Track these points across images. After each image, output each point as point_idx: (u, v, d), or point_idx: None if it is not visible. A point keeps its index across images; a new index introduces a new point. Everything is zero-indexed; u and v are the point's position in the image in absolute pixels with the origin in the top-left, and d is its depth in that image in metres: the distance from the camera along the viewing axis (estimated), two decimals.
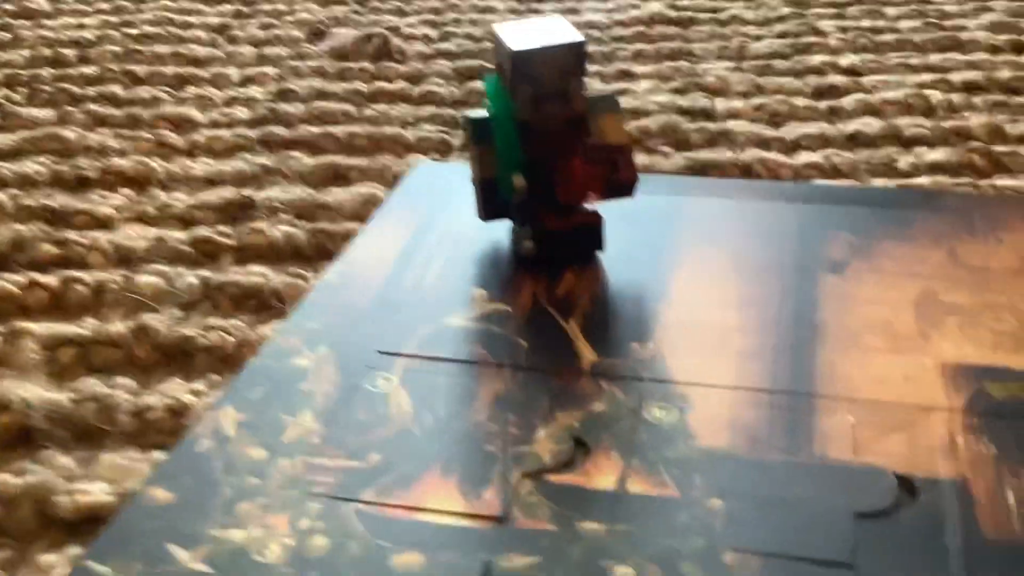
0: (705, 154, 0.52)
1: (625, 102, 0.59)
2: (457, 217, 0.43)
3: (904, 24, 0.71)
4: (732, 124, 0.56)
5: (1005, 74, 0.61)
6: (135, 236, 0.47)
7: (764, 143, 0.54)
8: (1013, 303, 0.36)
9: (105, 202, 0.50)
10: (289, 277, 0.43)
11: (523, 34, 0.37)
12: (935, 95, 0.58)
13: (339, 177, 0.52)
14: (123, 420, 0.35)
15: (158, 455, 0.34)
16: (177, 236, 0.46)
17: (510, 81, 0.37)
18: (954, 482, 0.28)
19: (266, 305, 0.42)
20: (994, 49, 0.66)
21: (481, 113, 0.39)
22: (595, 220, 0.39)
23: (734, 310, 0.36)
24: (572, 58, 0.37)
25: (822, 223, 0.41)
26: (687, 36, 0.70)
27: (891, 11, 0.73)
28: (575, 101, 0.37)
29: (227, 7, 0.80)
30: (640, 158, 0.52)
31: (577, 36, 0.37)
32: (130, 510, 0.28)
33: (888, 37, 0.68)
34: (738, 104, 0.58)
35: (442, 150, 0.55)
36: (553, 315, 0.36)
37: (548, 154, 0.38)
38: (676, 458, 0.29)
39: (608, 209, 0.42)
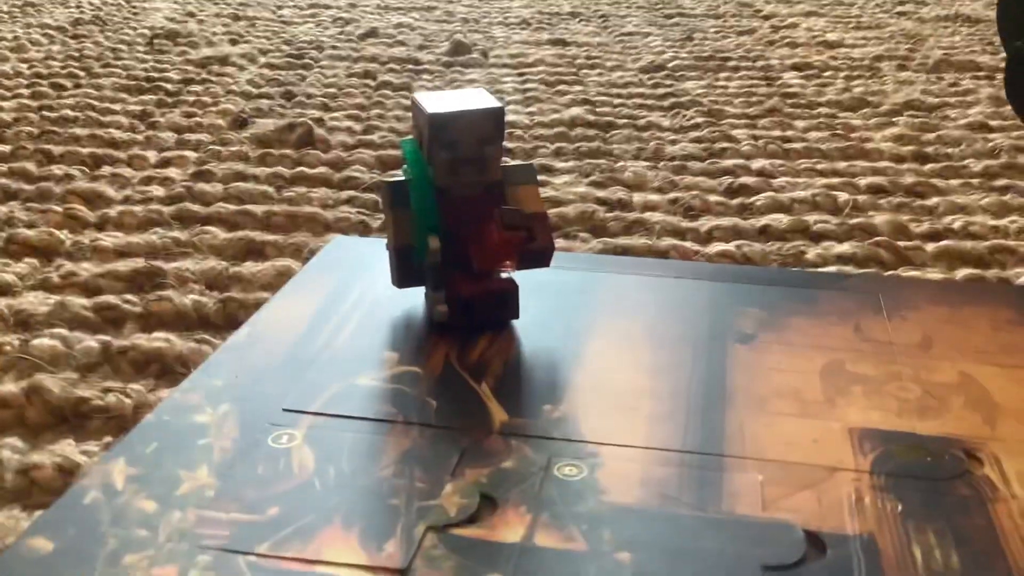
0: (622, 240, 0.53)
1: (544, 193, 0.59)
2: (372, 285, 0.43)
3: (812, 135, 0.74)
4: (648, 215, 0.57)
5: (909, 179, 0.64)
6: (36, 302, 0.45)
7: (679, 233, 0.55)
8: (917, 374, 0.36)
9: (7, 270, 0.49)
10: (195, 343, 0.42)
11: (442, 100, 0.37)
12: (841, 196, 0.60)
13: (254, 252, 0.51)
14: (8, 478, 0.33)
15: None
16: (80, 303, 0.45)
17: (427, 146, 0.37)
18: (862, 537, 0.28)
19: (169, 370, 0.40)
20: (898, 158, 0.69)
21: (398, 178, 0.39)
22: (510, 287, 0.39)
23: (646, 376, 0.36)
24: (490, 125, 0.37)
25: (732, 299, 0.42)
26: (606, 138, 0.72)
27: (800, 123, 0.77)
28: (492, 168, 0.38)
29: (150, 96, 0.80)
30: (558, 243, 0.53)
31: (495, 103, 0.37)
32: (6, 558, 0.26)
33: (797, 145, 0.71)
34: (654, 198, 0.60)
35: (361, 231, 0.55)
36: (464, 377, 0.36)
37: (464, 220, 0.38)
38: (585, 512, 0.29)
39: (524, 279, 0.42)
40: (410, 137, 0.39)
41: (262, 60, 0.94)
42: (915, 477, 0.30)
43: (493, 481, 0.30)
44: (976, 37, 1.12)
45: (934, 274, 0.51)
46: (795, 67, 0.96)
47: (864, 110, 0.81)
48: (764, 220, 0.57)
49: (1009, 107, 0.65)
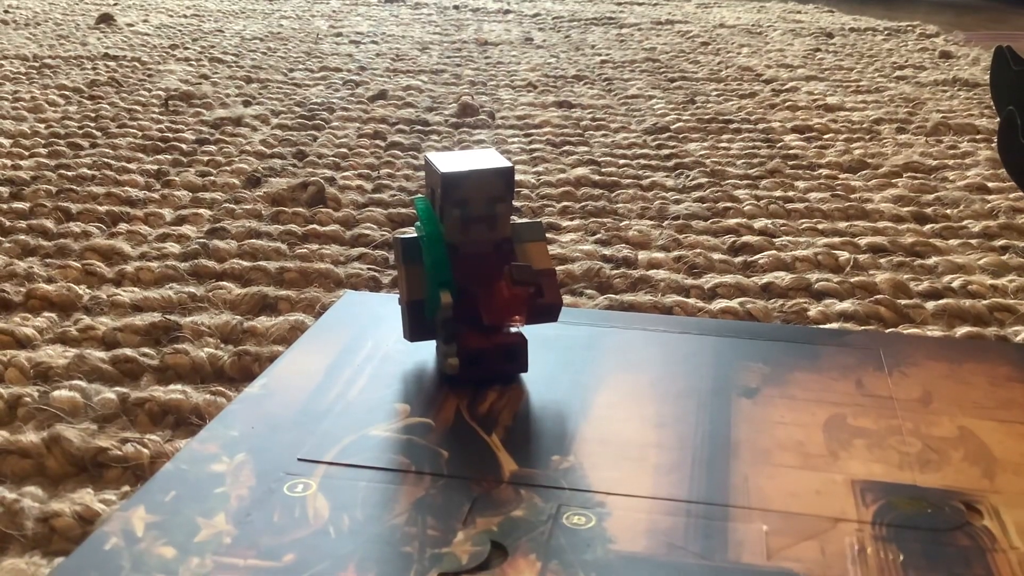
0: (627, 297, 0.54)
1: (551, 251, 0.61)
2: (384, 339, 0.44)
3: (813, 195, 0.75)
4: (653, 272, 0.58)
5: (908, 239, 0.65)
6: (55, 355, 0.46)
7: (683, 290, 0.56)
8: (918, 428, 0.37)
9: (28, 324, 0.50)
10: (210, 395, 0.43)
11: (454, 160, 0.39)
12: (843, 255, 0.62)
13: (267, 307, 0.52)
14: (29, 526, 0.34)
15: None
16: (98, 355, 0.46)
17: (440, 204, 0.38)
18: None
19: (185, 421, 0.41)
20: (898, 219, 0.70)
21: (411, 234, 0.40)
22: (519, 341, 0.40)
23: (652, 428, 0.37)
24: (500, 184, 0.38)
25: (736, 354, 0.43)
26: (611, 197, 0.74)
27: (801, 184, 0.78)
28: (502, 225, 0.39)
29: (165, 156, 0.82)
30: (565, 299, 0.54)
31: (505, 163, 0.39)
32: None
33: (799, 205, 0.72)
34: (658, 256, 0.61)
35: (372, 287, 0.56)
36: (475, 428, 0.37)
37: (475, 276, 0.39)
38: (593, 561, 0.29)
39: (532, 334, 0.43)
40: (422, 195, 0.40)
41: (275, 121, 0.96)
42: (916, 528, 0.31)
43: (503, 529, 0.31)
44: (974, 100, 1.14)
45: (934, 332, 0.52)
46: (796, 130, 0.98)
47: (864, 172, 0.82)
48: (767, 278, 0.58)
49: (1005, 170, 0.67)
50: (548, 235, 0.65)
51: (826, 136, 0.95)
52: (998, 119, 0.51)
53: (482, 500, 0.32)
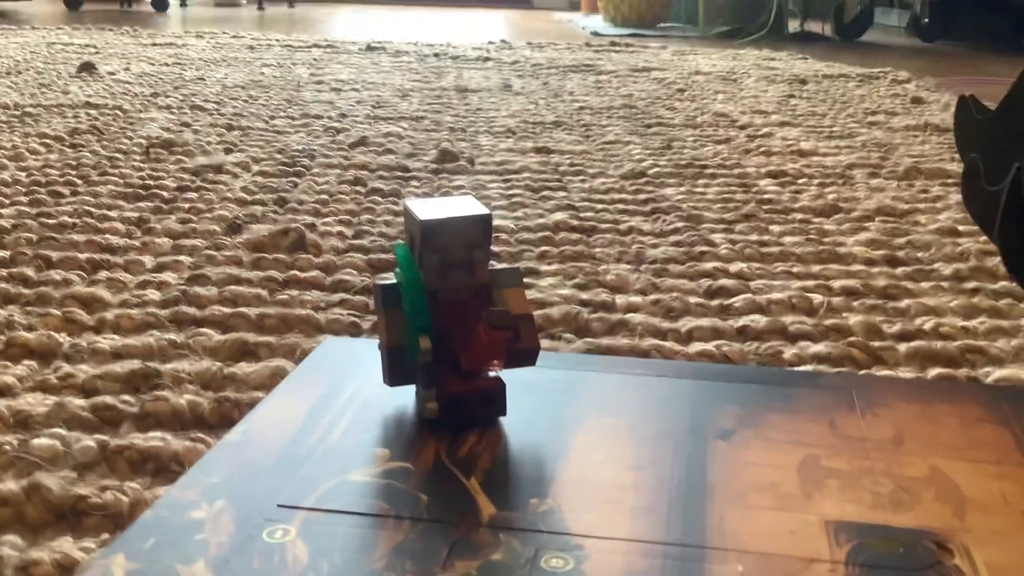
0: (605, 340, 0.55)
1: (529, 295, 0.61)
2: (364, 384, 0.44)
3: (788, 239, 0.76)
4: (630, 316, 0.59)
5: (881, 282, 0.66)
6: (35, 403, 0.46)
7: (660, 333, 0.57)
8: (889, 469, 0.38)
9: (7, 372, 0.50)
10: (190, 442, 0.43)
11: (433, 207, 0.40)
12: (816, 298, 0.62)
13: (248, 353, 0.53)
14: (8, 575, 0.34)
15: None
16: (78, 403, 0.46)
17: (419, 250, 0.39)
18: None
19: (165, 468, 0.41)
20: (871, 262, 0.71)
21: (390, 280, 0.41)
22: (498, 386, 0.40)
23: (629, 471, 0.37)
24: (478, 230, 0.39)
25: (712, 397, 0.43)
26: (589, 242, 0.74)
27: (776, 228, 0.79)
28: (480, 271, 0.40)
29: (146, 203, 0.82)
30: (543, 343, 0.54)
31: (483, 210, 0.39)
32: None
33: (773, 249, 0.73)
34: (636, 300, 0.62)
35: (352, 332, 0.56)
36: (454, 472, 0.37)
37: (454, 321, 0.40)
38: None
39: (511, 378, 0.43)
40: (402, 242, 0.41)
41: (256, 168, 0.97)
42: (889, 568, 0.32)
43: (483, 573, 0.31)
44: (945, 146, 1.17)
45: (906, 373, 0.52)
46: (770, 175, 0.99)
47: (837, 216, 0.84)
48: (742, 321, 0.59)
49: (970, 215, 0.68)
50: (527, 279, 0.65)
51: (800, 181, 0.97)
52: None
53: (461, 544, 0.32)
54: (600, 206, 0.85)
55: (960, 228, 0.79)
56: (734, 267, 0.69)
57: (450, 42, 2.54)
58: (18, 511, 0.38)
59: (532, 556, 0.32)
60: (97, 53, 2.01)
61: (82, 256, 0.67)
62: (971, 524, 0.34)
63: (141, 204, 0.82)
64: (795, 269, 0.69)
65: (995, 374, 0.52)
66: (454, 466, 0.37)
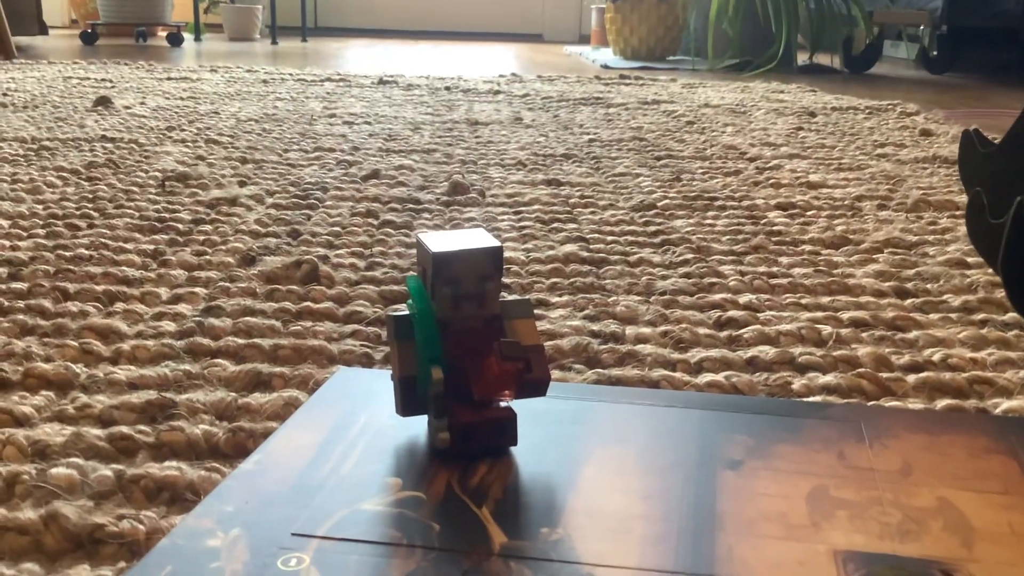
0: (615, 371, 0.55)
1: (540, 327, 0.62)
2: (376, 414, 0.44)
3: (797, 271, 0.77)
4: (640, 347, 0.59)
5: (890, 314, 0.67)
6: (52, 432, 0.47)
7: (670, 364, 0.57)
8: (898, 499, 0.38)
9: (25, 402, 0.51)
10: (205, 471, 0.43)
11: (444, 240, 0.40)
12: (825, 329, 0.63)
13: (262, 383, 0.53)
14: None
15: None
16: (95, 433, 0.47)
17: (431, 282, 0.40)
18: None
19: (180, 497, 0.42)
20: (879, 293, 0.72)
21: (403, 312, 0.41)
22: (509, 415, 0.41)
23: (639, 500, 0.38)
24: (489, 262, 0.40)
25: (721, 427, 0.44)
26: (599, 273, 0.75)
27: (785, 260, 0.80)
28: (491, 302, 0.40)
29: (162, 236, 0.83)
30: (553, 374, 0.55)
31: (494, 242, 0.40)
32: None
33: (782, 281, 0.74)
34: (646, 331, 0.62)
35: (365, 363, 0.57)
36: (466, 501, 0.37)
37: (465, 352, 0.40)
38: None
39: (521, 408, 0.44)
40: (414, 274, 0.42)
41: (269, 201, 0.98)
42: None
43: None
44: (953, 178, 1.17)
45: (915, 404, 0.53)
46: (779, 206, 1.00)
47: (846, 247, 0.84)
48: (752, 352, 0.59)
49: (974, 247, 0.69)
50: (537, 311, 0.66)
51: (809, 213, 0.97)
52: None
53: (473, 573, 0.33)
54: (610, 238, 0.86)
55: (968, 260, 0.80)
56: (743, 298, 0.69)
57: (461, 75, 2.56)
58: (36, 540, 0.38)
59: None
60: (113, 87, 2.04)
61: (99, 288, 0.68)
62: (979, 554, 0.34)
63: (156, 236, 0.83)
64: (804, 300, 0.69)
65: (1003, 405, 0.53)
66: (466, 495, 0.38)
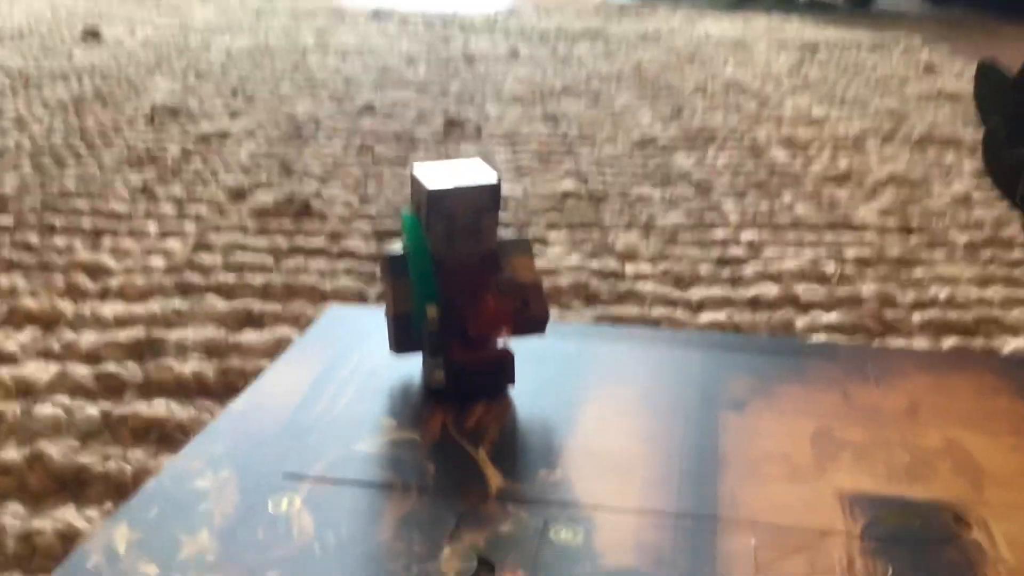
0: (614, 309, 0.54)
1: (538, 264, 0.61)
2: (369, 353, 0.43)
3: (799, 208, 0.75)
4: (640, 285, 0.58)
5: (895, 251, 0.65)
6: (37, 370, 0.46)
7: (670, 303, 0.56)
8: (904, 440, 0.37)
9: (10, 339, 0.49)
10: (195, 411, 0.42)
11: (440, 173, 0.39)
12: (829, 267, 0.62)
13: (253, 321, 0.52)
14: (9, 544, 0.33)
15: None
16: (81, 371, 0.46)
17: (425, 218, 0.38)
18: None
19: (169, 437, 0.41)
20: (883, 230, 0.70)
21: (397, 249, 0.40)
22: (506, 356, 0.39)
23: (639, 442, 0.37)
24: (486, 197, 0.38)
25: (723, 367, 0.43)
26: (598, 210, 0.73)
27: (787, 197, 0.78)
28: (488, 238, 0.39)
29: (150, 170, 0.81)
30: (552, 312, 0.54)
31: (491, 177, 0.38)
32: None
33: (784, 218, 0.72)
34: (645, 268, 0.61)
35: (358, 300, 0.55)
36: (461, 443, 0.36)
37: (461, 289, 0.39)
38: None
39: (519, 348, 0.43)
40: (408, 210, 0.40)
41: (261, 135, 0.96)
42: (905, 541, 0.31)
43: (490, 545, 0.30)
44: (958, 113, 1.15)
45: (920, 343, 0.52)
46: (781, 142, 0.98)
47: (849, 184, 0.83)
48: (753, 290, 0.58)
49: (990, 180, 0.67)
50: (535, 248, 0.64)
51: (811, 149, 0.95)
52: (983, 130, 0.51)
53: (469, 515, 0.32)
54: (609, 173, 0.84)
55: (974, 196, 0.78)
56: (745, 236, 0.68)
57: (457, 10, 2.52)
58: (20, 480, 0.37)
59: (541, 527, 0.31)
60: (102, 18, 2.00)
61: (86, 223, 0.67)
62: (988, 497, 0.33)
63: (145, 171, 0.81)
64: (807, 238, 0.68)
65: (1011, 344, 0.51)
66: (461, 437, 0.37)
